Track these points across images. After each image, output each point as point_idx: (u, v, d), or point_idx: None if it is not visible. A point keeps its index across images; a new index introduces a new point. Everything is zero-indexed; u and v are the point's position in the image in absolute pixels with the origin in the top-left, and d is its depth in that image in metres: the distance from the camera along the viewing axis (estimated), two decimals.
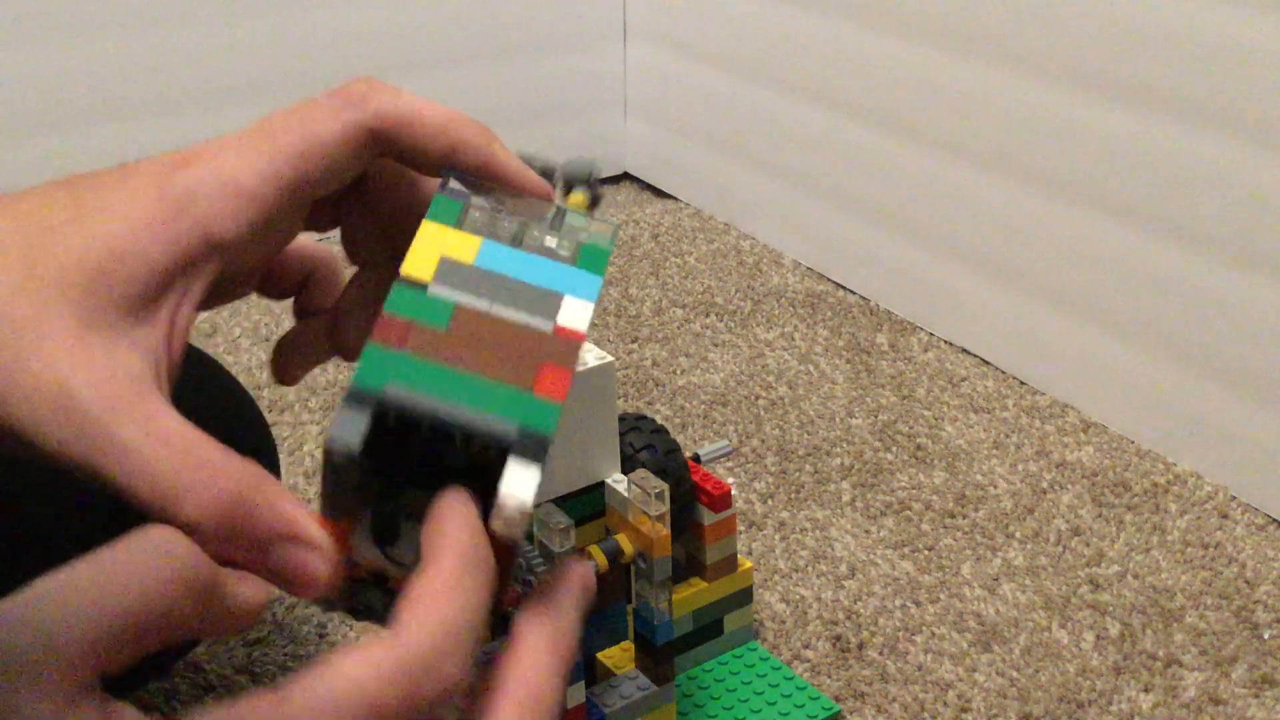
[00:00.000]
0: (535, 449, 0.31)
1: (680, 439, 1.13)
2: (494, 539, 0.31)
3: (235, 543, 0.30)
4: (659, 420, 1.12)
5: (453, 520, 0.31)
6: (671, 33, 1.60)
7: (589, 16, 1.63)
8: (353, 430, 0.31)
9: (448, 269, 0.34)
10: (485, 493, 0.31)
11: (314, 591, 0.31)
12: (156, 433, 0.30)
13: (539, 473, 0.31)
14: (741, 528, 1.01)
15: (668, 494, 0.73)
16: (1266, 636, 0.89)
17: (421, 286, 0.34)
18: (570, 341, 0.34)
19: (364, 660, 0.28)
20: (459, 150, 0.37)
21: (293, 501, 0.31)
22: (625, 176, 1.73)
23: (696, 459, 0.84)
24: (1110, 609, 0.92)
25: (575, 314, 0.34)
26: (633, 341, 1.29)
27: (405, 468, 0.32)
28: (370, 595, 0.33)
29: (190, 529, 0.30)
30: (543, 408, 0.32)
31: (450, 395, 0.32)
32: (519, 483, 0.31)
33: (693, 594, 0.82)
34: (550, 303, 0.34)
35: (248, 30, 1.43)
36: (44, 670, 0.25)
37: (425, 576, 0.30)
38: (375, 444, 0.32)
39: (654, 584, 0.75)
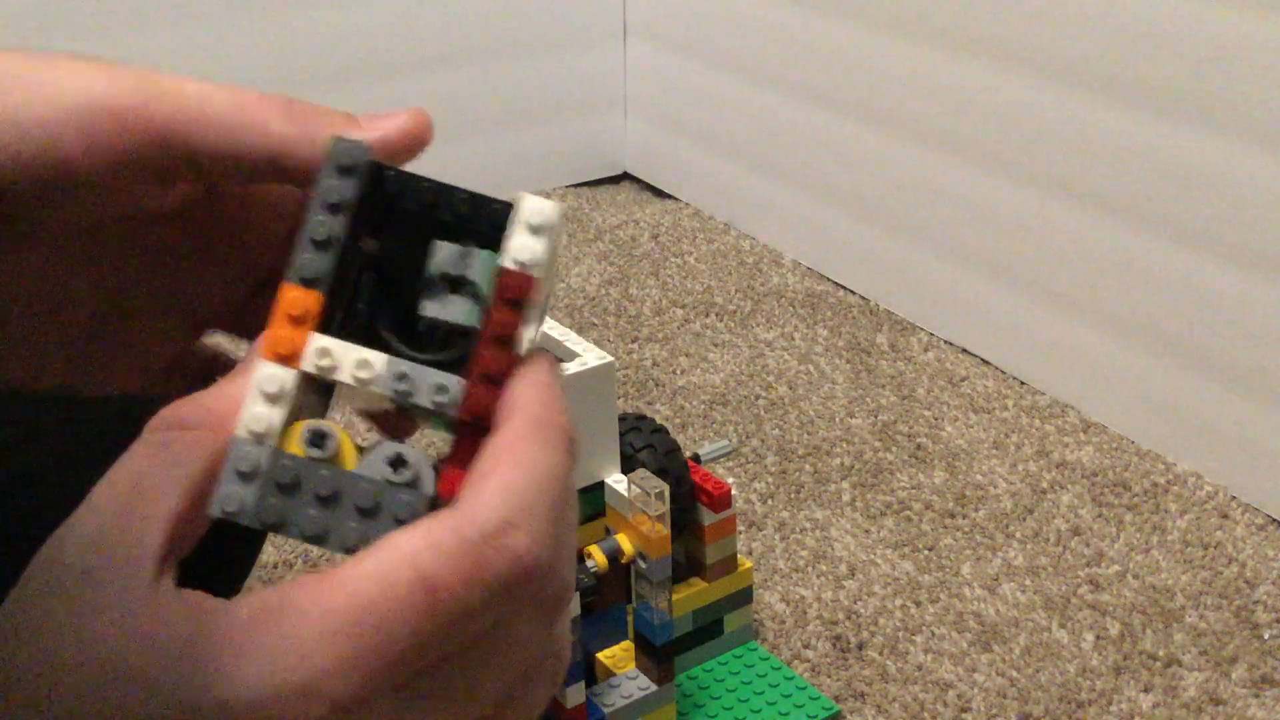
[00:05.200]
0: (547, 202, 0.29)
1: (680, 439, 1.13)
2: (506, 283, 0.28)
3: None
4: (659, 420, 1.12)
5: (523, 381, 0.27)
6: (671, 32, 1.60)
7: (589, 16, 1.63)
8: (359, 143, 0.29)
9: None
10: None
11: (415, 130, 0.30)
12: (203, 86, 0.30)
13: (557, 204, 0.28)
14: (741, 528, 1.01)
15: (668, 494, 0.73)
16: (1266, 636, 0.89)
17: None
18: None
19: (421, 535, 0.25)
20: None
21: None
22: (625, 176, 1.73)
23: (696, 459, 0.84)
24: (1110, 609, 0.92)
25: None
26: (633, 341, 1.29)
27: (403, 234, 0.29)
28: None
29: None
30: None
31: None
32: (538, 202, 0.28)
33: (693, 594, 0.82)
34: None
35: (247, 30, 1.43)
36: (135, 559, 0.25)
37: (490, 446, 0.27)
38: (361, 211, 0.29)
39: (654, 584, 0.75)
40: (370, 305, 0.29)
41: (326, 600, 0.25)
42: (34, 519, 0.37)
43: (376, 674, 0.25)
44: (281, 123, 0.29)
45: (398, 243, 0.29)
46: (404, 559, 0.25)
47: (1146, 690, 0.85)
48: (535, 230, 0.28)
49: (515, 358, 0.28)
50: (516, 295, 0.28)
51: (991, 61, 1.17)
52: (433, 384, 0.28)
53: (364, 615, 0.24)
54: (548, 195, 1.68)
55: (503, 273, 0.28)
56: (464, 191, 0.29)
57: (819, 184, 1.41)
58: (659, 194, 1.67)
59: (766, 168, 1.49)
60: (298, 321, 0.28)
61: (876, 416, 1.16)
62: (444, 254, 0.28)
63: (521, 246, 0.28)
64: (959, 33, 1.20)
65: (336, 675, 0.24)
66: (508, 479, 0.26)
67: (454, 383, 0.28)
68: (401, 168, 0.29)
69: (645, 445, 0.79)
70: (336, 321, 0.29)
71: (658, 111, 1.65)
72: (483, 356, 0.28)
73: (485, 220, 0.29)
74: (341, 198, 0.28)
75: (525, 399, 0.27)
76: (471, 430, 0.28)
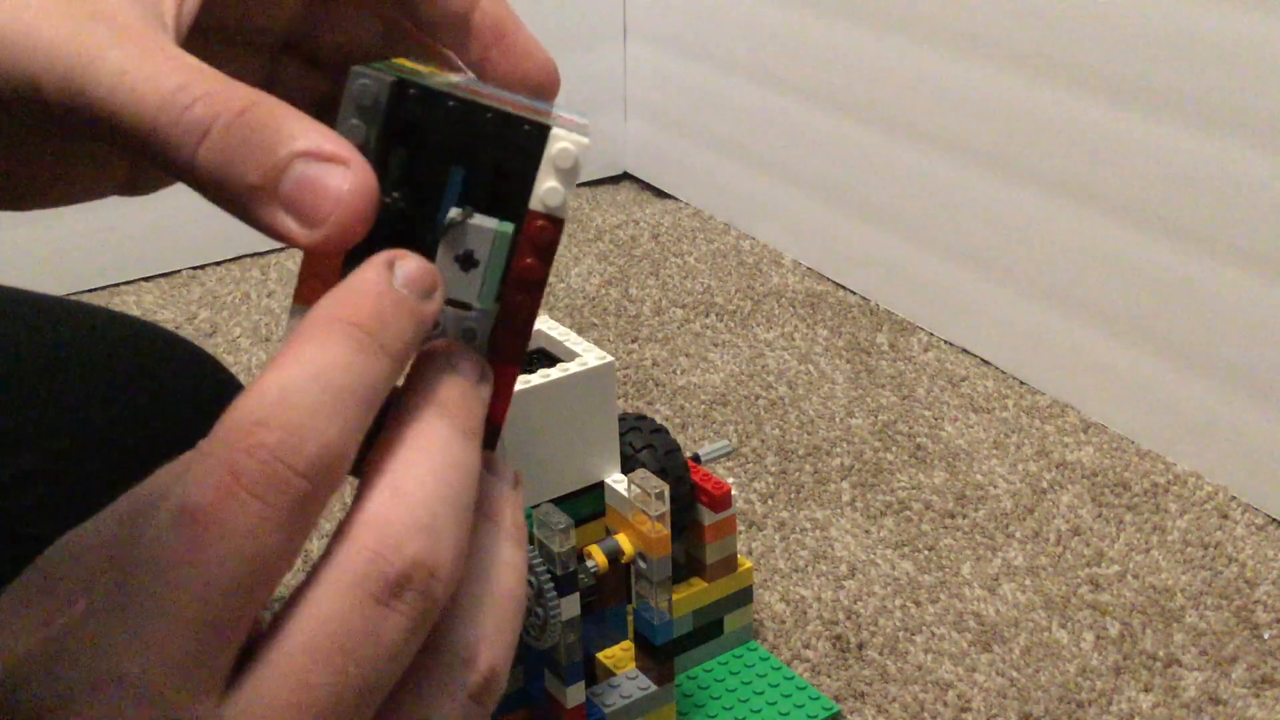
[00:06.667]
0: (577, 128, 0.28)
1: (680, 439, 1.13)
2: (535, 228, 0.27)
3: (243, 167, 0.25)
4: (659, 420, 1.12)
5: (343, 285, 0.26)
6: (671, 33, 1.60)
7: (589, 16, 1.63)
8: (380, 75, 0.27)
9: None
10: (515, 192, 0.28)
11: (340, 219, 0.25)
12: (157, 51, 0.26)
13: (587, 137, 0.27)
14: (741, 528, 1.01)
15: (668, 494, 0.73)
16: (1266, 636, 0.89)
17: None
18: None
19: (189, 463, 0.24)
20: None
21: (308, 117, 0.26)
22: (625, 176, 1.73)
23: (696, 459, 0.84)
24: (1110, 609, 0.92)
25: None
26: (633, 341, 1.29)
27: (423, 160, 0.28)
28: None
29: (189, 154, 0.25)
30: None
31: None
32: (564, 144, 0.27)
33: (693, 594, 0.82)
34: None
35: None
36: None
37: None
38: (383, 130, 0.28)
39: (654, 584, 0.75)
40: (397, 227, 0.28)
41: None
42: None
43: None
44: (210, 150, 0.25)
45: (425, 158, 0.28)
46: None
47: (1146, 690, 0.85)
48: (564, 174, 0.27)
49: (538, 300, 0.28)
50: (542, 242, 0.28)
51: (991, 61, 1.17)
52: (459, 325, 0.28)
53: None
54: None
55: (530, 215, 0.28)
56: (491, 111, 0.28)
57: (819, 184, 1.41)
58: (659, 194, 1.67)
59: (766, 168, 1.49)
60: (327, 265, 0.27)
61: (876, 416, 1.16)
62: (452, 232, 0.28)
63: (550, 191, 0.28)
64: (959, 33, 1.20)
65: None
66: (284, 375, 0.25)
67: (479, 323, 0.28)
68: (426, 82, 0.28)
69: (645, 445, 0.79)
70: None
71: (658, 111, 1.65)
72: (507, 302, 0.28)
73: (514, 145, 0.28)
74: (364, 140, 0.27)
75: (332, 298, 0.26)
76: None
